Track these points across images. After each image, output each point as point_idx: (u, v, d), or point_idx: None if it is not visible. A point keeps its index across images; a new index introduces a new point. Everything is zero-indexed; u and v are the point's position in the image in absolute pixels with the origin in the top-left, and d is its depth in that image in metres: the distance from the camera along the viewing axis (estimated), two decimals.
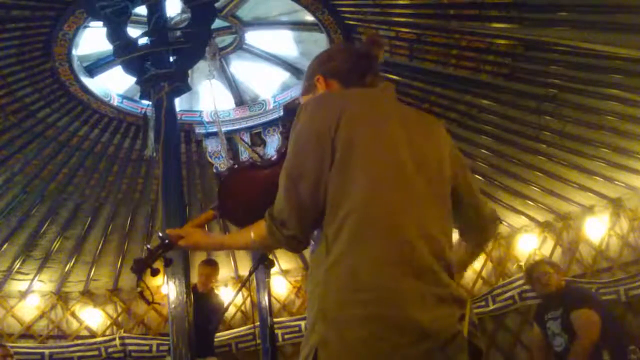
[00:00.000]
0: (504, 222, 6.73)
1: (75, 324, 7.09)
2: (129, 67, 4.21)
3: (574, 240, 6.39)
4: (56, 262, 6.88)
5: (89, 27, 4.98)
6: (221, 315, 3.72)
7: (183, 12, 4.92)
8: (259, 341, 5.43)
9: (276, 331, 6.02)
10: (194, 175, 6.55)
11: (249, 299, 6.47)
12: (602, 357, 3.72)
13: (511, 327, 6.55)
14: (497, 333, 6.58)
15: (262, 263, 3.30)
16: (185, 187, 6.07)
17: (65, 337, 6.95)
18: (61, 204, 6.41)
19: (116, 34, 4.20)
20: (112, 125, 5.86)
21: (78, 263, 6.98)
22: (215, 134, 5.96)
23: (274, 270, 5.79)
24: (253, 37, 5.88)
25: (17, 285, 6.89)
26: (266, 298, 4.98)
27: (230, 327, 7.08)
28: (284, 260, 7.33)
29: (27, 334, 6.81)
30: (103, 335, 6.99)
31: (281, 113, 6.02)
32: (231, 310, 7.16)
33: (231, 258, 7.40)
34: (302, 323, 6.88)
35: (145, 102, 4.86)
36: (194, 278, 5.16)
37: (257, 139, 6.25)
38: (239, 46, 5.86)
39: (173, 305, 3.41)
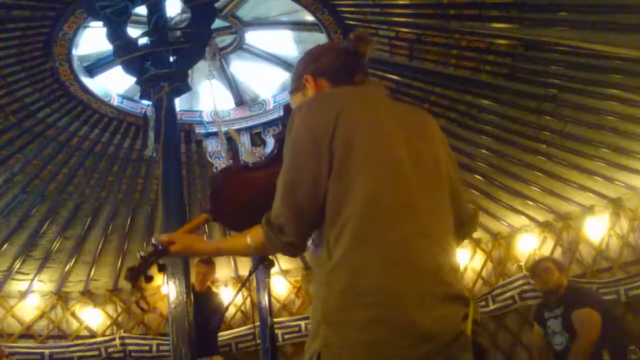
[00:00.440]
0: (504, 222, 6.74)
1: (75, 324, 7.09)
2: (129, 67, 4.21)
3: (574, 240, 6.39)
4: (56, 262, 6.88)
5: (89, 27, 4.98)
6: (222, 314, 3.72)
7: (183, 12, 4.92)
8: (259, 341, 5.42)
9: (276, 331, 6.02)
10: (194, 175, 6.55)
11: (249, 299, 6.47)
12: (602, 357, 3.71)
13: (511, 327, 6.55)
14: (497, 333, 6.58)
15: (262, 263, 3.29)
16: (185, 187, 6.07)
17: (65, 337, 6.95)
18: (61, 204, 6.41)
19: (116, 34, 4.20)
20: (112, 125, 5.86)
21: (78, 263, 6.98)
22: (215, 134, 5.96)
23: (274, 270, 5.78)
24: (253, 37, 5.88)
25: (17, 285, 6.89)
26: (266, 298, 4.96)
27: (230, 327, 7.08)
28: (284, 260, 7.32)
29: (27, 334, 6.81)
30: (103, 335, 6.99)
31: (281, 113, 6.02)
32: (231, 310, 7.16)
33: (231, 258, 7.39)
34: (302, 323, 6.88)
35: (145, 102, 4.87)
36: (194, 278, 5.17)
37: (257, 139, 6.26)
38: (239, 46, 5.86)
39: (173, 305, 3.41)
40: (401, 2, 4.65)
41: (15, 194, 6.07)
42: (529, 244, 6.63)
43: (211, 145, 6.08)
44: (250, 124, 6.21)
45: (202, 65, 5.46)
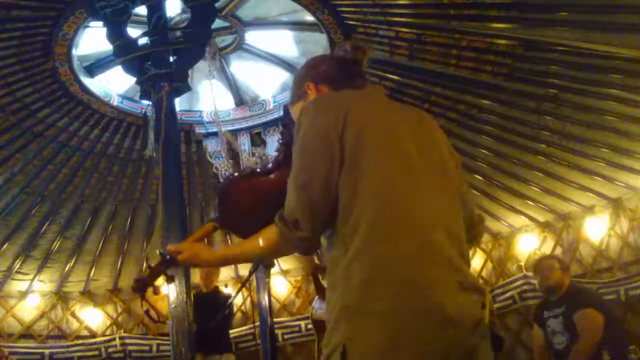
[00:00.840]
0: (504, 222, 6.74)
1: (75, 324, 7.09)
2: (129, 67, 4.21)
3: (574, 240, 6.39)
4: (56, 262, 6.88)
5: (89, 27, 4.98)
6: (224, 310, 3.74)
7: (183, 12, 4.92)
8: (259, 341, 5.42)
9: (276, 331, 6.00)
10: (194, 175, 6.55)
11: (249, 299, 6.46)
12: (602, 357, 3.71)
13: (511, 327, 6.55)
14: None
15: (262, 263, 3.30)
16: (185, 187, 6.07)
17: (65, 337, 6.96)
18: (61, 204, 6.41)
19: (116, 34, 4.20)
20: (112, 125, 5.86)
21: (78, 263, 6.98)
22: (215, 134, 5.96)
23: (274, 270, 5.79)
24: (253, 37, 5.88)
25: (17, 285, 6.89)
26: (266, 298, 4.95)
27: (231, 327, 7.07)
28: (284, 260, 7.32)
29: (27, 334, 6.82)
30: (103, 335, 7.00)
31: (281, 113, 6.02)
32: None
33: None
34: (302, 323, 6.88)
35: (145, 102, 4.86)
36: (194, 278, 5.16)
37: (257, 139, 6.26)
38: (239, 46, 5.86)
39: (173, 305, 3.41)
40: (401, 2, 4.65)
41: (15, 194, 6.07)
42: (529, 244, 6.63)
43: (211, 145, 6.08)
44: (250, 124, 6.21)
45: (202, 65, 5.46)
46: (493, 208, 6.54)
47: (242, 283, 4.75)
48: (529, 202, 6.37)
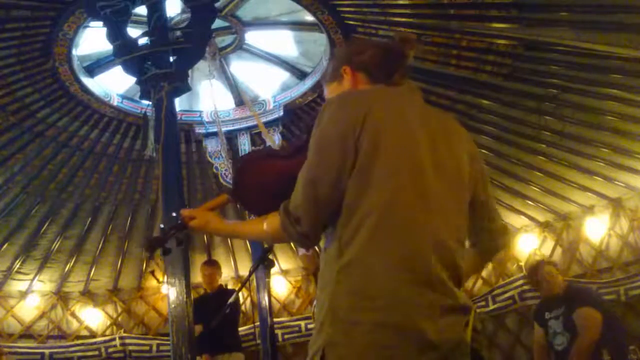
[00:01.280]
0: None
1: (75, 324, 7.09)
2: (129, 67, 4.21)
3: (574, 240, 6.40)
4: (56, 262, 6.88)
5: (89, 27, 4.98)
6: (225, 309, 3.73)
7: (183, 12, 4.92)
8: (259, 341, 5.42)
9: (276, 331, 6.01)
10: (194, 175, 6.56)
11: (249, 299, 6.46)
12: (602, 357, 3.71)
13: (511, 327, 6.55)
14: (497, 333, 6.57)
15: (262, 263, 3.30)
16: (185, 187, 6.07)
17: (65, 337, 6.95)
18: (61, 204, 6.41)
19: (116, 34, 4.20)
20: (112, 125, 5.86)
21: (78, 263, 6.98)
22: (215, 134, 5.96)
23: (274, 270, 5.77)
24: (253, 37, 5.88)
25: (17, 285, 6.89)
26: (266, 298, 4.97)
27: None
28: (284, 260, 7.33)
29: (27, 334, 6.81)
30: (103, 335, 6.99)
31: (281, 113, 6.02)
32: None
33: (231, 258, 7.40)
34: (302, 323, 6.88)
35: (145, 102, 4.87)
36: (194, 278, 5.16)
37: (257, 139, 6.26)
38: (239, 46, 5.86)
39: (173, 305, 3.41)
40: (401, 2, 4.65)
41: (15, 194, 6.07)
42: (529, 244, 6.62)
43: (211, 145, 6.08)
44: (250, 124, 6.20)
45: (202, 65, 5.46)
46: None
47: (242, 283, 4.75)
48: (529, 202, 6.38)
